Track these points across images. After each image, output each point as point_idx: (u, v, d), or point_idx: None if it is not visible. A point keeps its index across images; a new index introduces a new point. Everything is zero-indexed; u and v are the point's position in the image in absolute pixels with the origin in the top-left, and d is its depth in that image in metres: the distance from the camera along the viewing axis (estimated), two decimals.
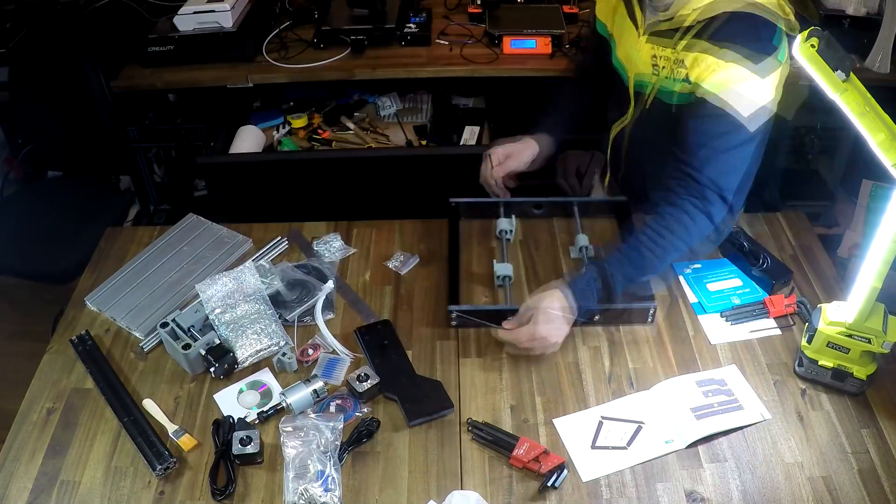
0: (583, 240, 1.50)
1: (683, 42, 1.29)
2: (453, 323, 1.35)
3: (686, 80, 1.30)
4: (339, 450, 1.14)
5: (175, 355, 1.29)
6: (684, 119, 1.31)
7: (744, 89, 1.24)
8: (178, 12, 2.31)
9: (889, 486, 1.10)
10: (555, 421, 1.21)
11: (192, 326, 1.29)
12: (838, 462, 1.14)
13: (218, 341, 1.28)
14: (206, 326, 1.32)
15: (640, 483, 1.12)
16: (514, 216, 1.56)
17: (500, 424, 1.20)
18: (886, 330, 1.17)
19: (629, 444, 1.17)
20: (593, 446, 1.16)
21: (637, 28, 1.38)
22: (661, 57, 1.34)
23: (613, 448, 1.16)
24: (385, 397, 1.24)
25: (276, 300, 1.40)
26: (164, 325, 1.28)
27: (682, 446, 1.16)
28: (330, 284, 1.42)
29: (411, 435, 1.19)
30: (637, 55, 1.38)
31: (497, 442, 1.14)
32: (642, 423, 1.20)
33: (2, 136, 2.80)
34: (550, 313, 1.23)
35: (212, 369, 1.26)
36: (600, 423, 1.20)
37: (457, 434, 1.19)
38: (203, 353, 1.26)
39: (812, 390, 1.25)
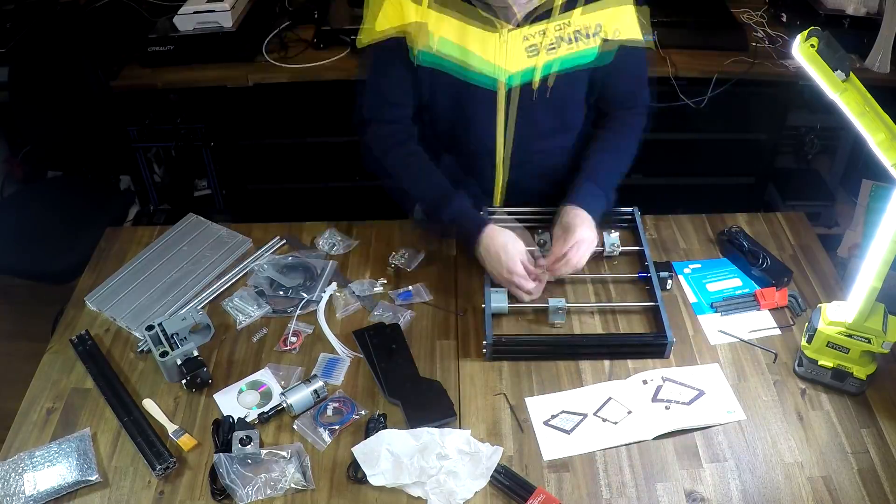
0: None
1: (577, 10, 1.36)
2: (486, 357, 1.30)
3: (603, 39, 1.39)
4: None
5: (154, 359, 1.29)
6: (609, 72, 1.44)
7: (635, 18, 1.42)
8: (178, 12, 2.31)
9: (889, 486, 1.10)
10: (527, 399, 1.24)
11: (176, 334, 1.28)
12: (838, 462, 1.14)
13: (196, 353, 1.27)
14: (191, 336, 1.31)
15: (640, 483, 1.12)
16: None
17: (499, 425, 1.20)
18: (886, 330, 1.17)
19: (592, 430, 1.19)
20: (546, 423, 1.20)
21: (496, 26, 1.35)
22: (541, 39, 1.36)
23: (563, 430, 1.19)
24: (388, 401, 1.24)
25: (272, 288, 1.41)
26: (150, 328, 1.28)
27: (649, 437, 1.17)
28: (333, 286, 1.42)
29: None
30: (506, 52, 1.37)
31: (512, 489, 1.10)
32: (608, 409, 1.21)
33: (2, 137, 2.80)
34: (589, 236, 1.38)
35: (184, 381, 1.25)
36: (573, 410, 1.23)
37: None
38: (179, 363, 1.25)
39: (812, 390, 1.25)
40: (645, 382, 1.25)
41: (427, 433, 1.14)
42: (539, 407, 1.22)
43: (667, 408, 1.20)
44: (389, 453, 1.11)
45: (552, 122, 1.47)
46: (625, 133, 1.51)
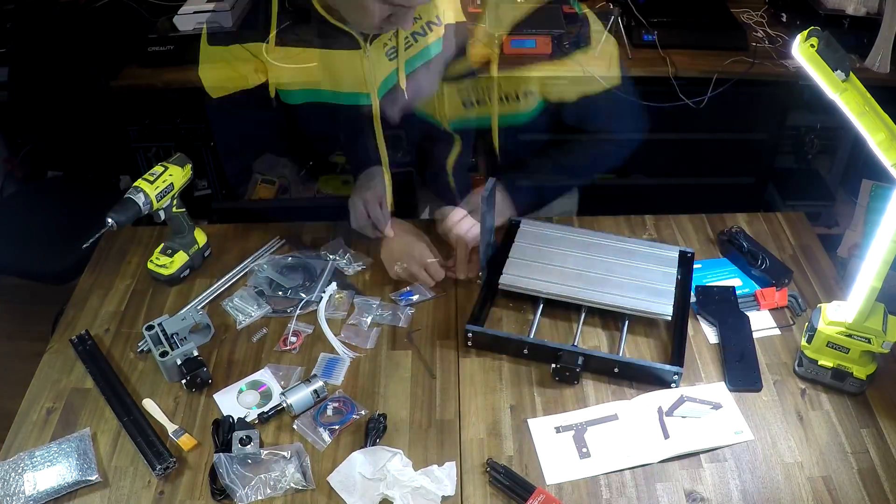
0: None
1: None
2: (469, 343, 1.31)
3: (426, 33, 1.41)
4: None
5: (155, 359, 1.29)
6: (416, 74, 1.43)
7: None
8: (178, 12, 2.31)
9: (889, 486, 1.10)
10: (529, 422, 1.21)
11: (176, 334, 1.28)
12: (838, 462, 1.14)
13: (196, 353, 1.27)
14: (191, 336, 1.31)
15: (640, 483, 1.12)
16: None
17: (499, 425, 1.20)
18: (886, 330, 1.17)
19: (596, 451, 1.16)
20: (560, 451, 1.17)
21: (359, 45, 1.38)
22: (395, 40, 1.39)
23: (580, 455, 1.16)
24: None
25: (271, 288, 1.41)
26: (150, 327, 1.28)
27: (655, 461, 1.15)
28: (333, 286, 1.42)
29: (411, 434, 1.19)
30: (373, 65, 1.40)
31: (512, 489, 1.10)
32: (613, 430, 1.19)
33: (2, 137, 2.80)
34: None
35: (184, 381, 1.25)
36: (578, 430, 1.20)
37: (457, 434, 1.19)
38: (179, 363, 1.25)
39: (812, 390, 1.25)
40: (651, 404, 1.22)
41: (385, 456, 1.12)
42: (541, 428, 1.20)
43: (670, 435, 1.17)
44: (362, 476, 1.10)
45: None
46: None
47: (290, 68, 1.38)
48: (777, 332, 1.35)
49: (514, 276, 1.38)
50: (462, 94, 1.46)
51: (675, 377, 1.24)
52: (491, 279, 1.40)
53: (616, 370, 1.27)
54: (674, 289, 1.37)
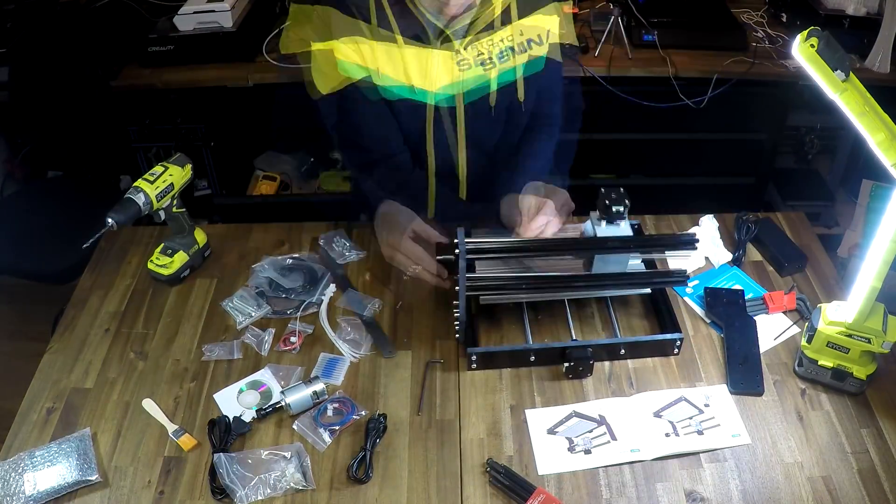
0: None
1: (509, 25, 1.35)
2: (473, 365, 1.29)
3: (527, 49, 1.38)
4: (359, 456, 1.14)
5: None
6: (528, 85, 1.42)
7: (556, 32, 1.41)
8: (178, 12, 2.31)
9: (889, 486, 1.11)
10: (527, 411, 1.22)
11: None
12: (838, 462, 1.14)
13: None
14: None
15: (640, 483, 1.12)
16: None
17: (499, 424, 1.20)
18: (886, 330, 1.17)
19: (592, 446, 1.17)
20: (550, 432, 1.19)
21: (428, 43, 1.35)
22: (471, 54, 1.35)
23: (575, 449, 1.16)
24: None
25: (271, 289, 1.41)
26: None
27: (648, 458, 1.15)
28: (332, 287, 1.42)
29: (411, 434, 1.19)
30: (435, 69, 1.36)
31: (512, 489, 1.10)
32: (609, 426, 1.19)
33: (2, 137, 2.80)
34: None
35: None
36: (574, 425, 1.20)
37: (457, 434, 1.19)
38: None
39: (812, 390, 1.25)
40: (648, 402, 1.23)
41: None
42: (538, 419, 1.21)
43: (667, 434, 1.18)
44: None
45: (505, 131, 1.49)
46: (541, 143, 1.50)
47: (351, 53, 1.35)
48: (797, 329, 1.34)
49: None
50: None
51: (679, 342, 1.29)
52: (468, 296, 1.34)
53: (623, 352, 1.29)
54: (641, 262, 1.39)
